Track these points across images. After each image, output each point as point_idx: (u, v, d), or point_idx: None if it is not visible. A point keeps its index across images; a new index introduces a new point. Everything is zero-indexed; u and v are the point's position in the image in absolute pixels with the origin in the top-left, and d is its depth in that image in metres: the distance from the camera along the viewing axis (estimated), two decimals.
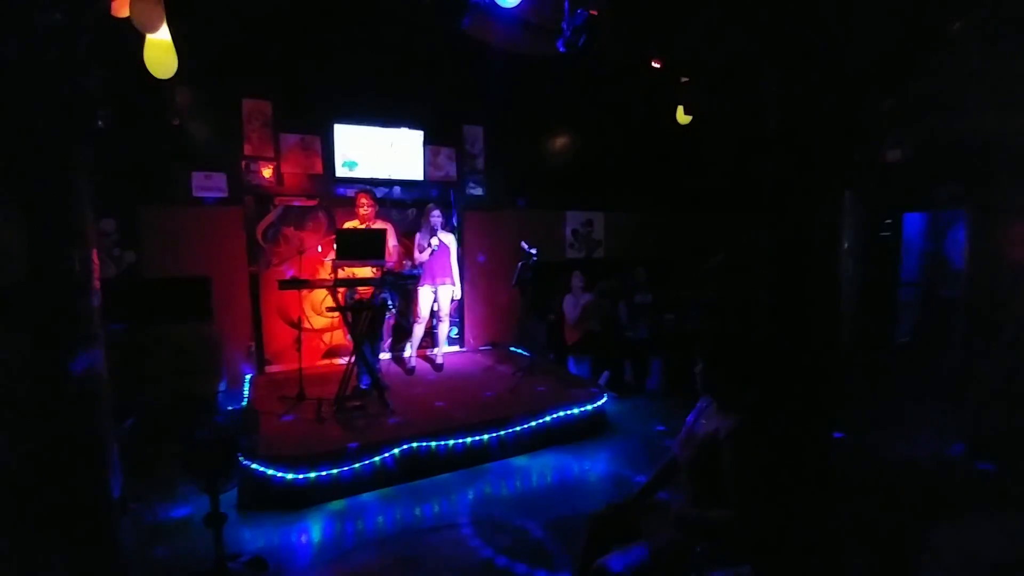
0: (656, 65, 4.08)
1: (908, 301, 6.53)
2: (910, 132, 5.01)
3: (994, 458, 3.92)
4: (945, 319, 5.98)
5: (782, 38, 2.42)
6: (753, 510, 1.94)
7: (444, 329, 5.90)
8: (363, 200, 4.90)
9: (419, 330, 5.73)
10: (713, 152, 6.37)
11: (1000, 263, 4.76)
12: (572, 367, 6.29)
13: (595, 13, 3.38)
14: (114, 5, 2.93)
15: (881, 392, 5.18)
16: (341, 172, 5.78)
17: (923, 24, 2.68)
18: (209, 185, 5.36)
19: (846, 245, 5.79)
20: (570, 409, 4.67)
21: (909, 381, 5.32)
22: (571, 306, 6.37)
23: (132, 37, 3.09)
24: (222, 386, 5.36)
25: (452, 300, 5.76)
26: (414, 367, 5.69)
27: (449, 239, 5.56)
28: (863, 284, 5.83)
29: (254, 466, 3.60)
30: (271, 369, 5.72)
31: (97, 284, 2.32)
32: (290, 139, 5.71)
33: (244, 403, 4.86)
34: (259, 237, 5.65)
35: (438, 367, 5.76)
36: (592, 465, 4.29)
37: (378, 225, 4.91)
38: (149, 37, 3.11)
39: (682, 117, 4.89)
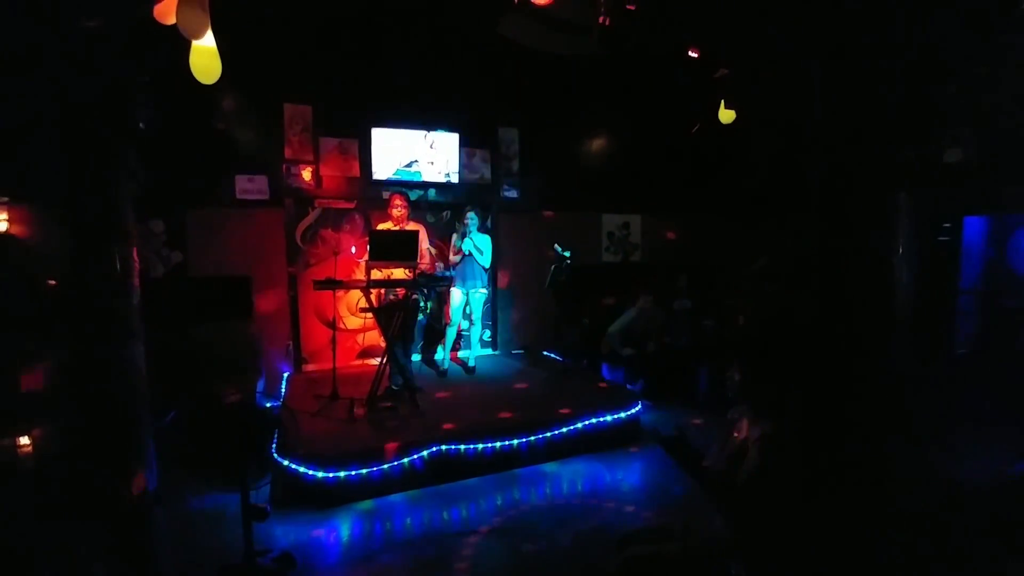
0: (693, 54, 3.93)
1: (968, 310, 6.14)
2: (972, 129, 4.68)
3: None
4: (1009, 330, 5.60)
5: (830, 21, 2.29)
6: (752, 515, 1.86)
7: (476, 333, 5.89)
8: (397, 201, 4.92)
9: (452, 333, 5.74)
10: (756, 152, 6.14)
11: None
12: (606, 373, 6.17)
13: (632, 8, 3.30)
14: (161, 12, 3.03)
15: (938, 407, 4.85)
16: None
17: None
18: (251, 188, 5.50)
19: (900, 250, 5.48)
20: (603, 416, 4.57)
21: (969, 395, 4.98)
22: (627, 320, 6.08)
23: (178, 44, 3.18)
24: (261, 384, 5.48)
25: (485, 302, 5.75)
26: (446, 370, 5.68)
27: (485, 242, 5.54)
28: (919, 292, 5.47)
29: (286, 463, 3.65)
30: (308, 368, 5.82)
31: (137, 282, 2.38)
32: (329, 143, 5.82)
33: (281, 401, 4.95)
34: (298, 238, 5.77)
35: (470, 370, 5.74)
36: (625, 475, 4.17)
37: (411, 227, 4.93)
38: (195, 43, 3.20)
39: (724, 115, 4.71)
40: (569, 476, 4.11)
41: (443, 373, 5.62)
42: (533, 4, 3.46)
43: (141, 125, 2.33)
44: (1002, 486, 3.65)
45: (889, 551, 2.77)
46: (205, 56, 3.28)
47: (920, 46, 2.44)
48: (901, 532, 2.98)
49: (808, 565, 2.10)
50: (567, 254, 5.23)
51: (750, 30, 3.08)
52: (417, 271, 4.65)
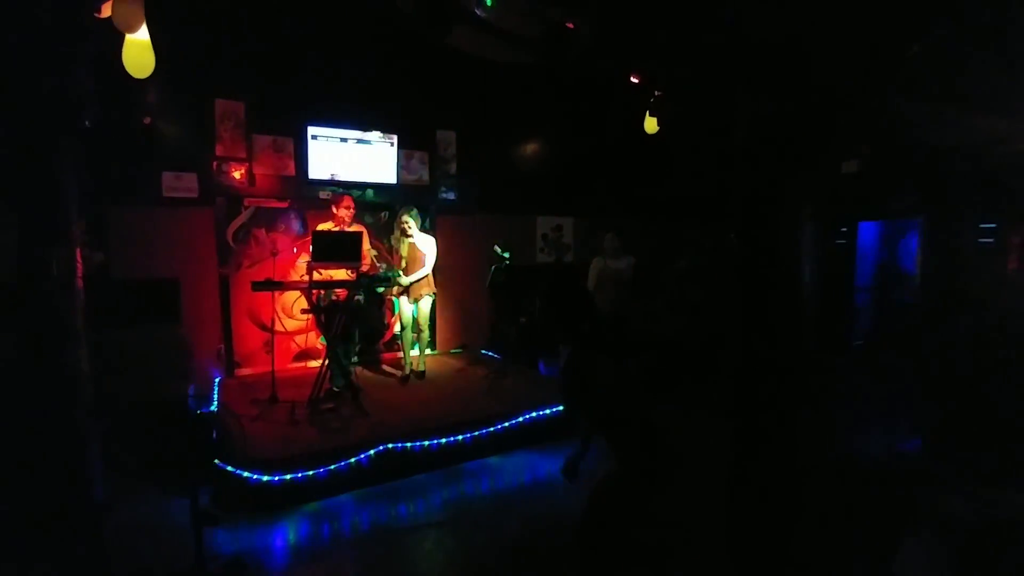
0: (634, 80, 4.23)
1: (864, 306, 6.85)
2: (865, 144, 5.25)
3: (947, 450, 4.12)
4: (899, 322, 6.30)
5: (753, 59, 2.59)
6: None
7: (424, 338, 5.71)
8: (348, 202, 4.90)
9: (402, 335, 5.72)
10: (682, 161, 6.58)
11: (952, 268, 5.01)
12: (543, 369, 6.40)
13: (571, 26, 3.50)
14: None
15: (837, 392, 5.40)
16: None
17: (884, 46, 2.87)
18: (179, 185, 5.27)
19: (803, 252, 6.06)
20: (542, 410, 4.77)
21: (864, 381, 5.57)
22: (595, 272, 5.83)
23: (108, 37, 3.06)
24: (191, 389, 5.27)
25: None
26: (398, 372, 5.67)
27: (428, 244, 5.46)
28: (820, 290, 6.04)
29: (229, 468, 3.59)
30: (241, 372, 5.65)
31: (80, 283, 2.32)
32: (263, 141, 5.67)
33: (214, 406, 4.80)
34: (229, 239, 5.59)
35: (419, 375, 5.61)
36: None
37: (354, 228, 4.93)
38: (128, 37, 3.09)
39: (650, 126, 5.04)
40: (512, 468, 4.29)
41: (397, 374, 5.62)
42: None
43: (87, 123, 2.26)
44: (894, 460, 4.15)
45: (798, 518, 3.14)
46: (139, 50, 3.17)
47: (825, 81, 2.80)
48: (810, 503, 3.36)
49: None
50: (507, 255, 5.39)
51: (682, 58, 3.38)
52: (359, 272, 4.66)
